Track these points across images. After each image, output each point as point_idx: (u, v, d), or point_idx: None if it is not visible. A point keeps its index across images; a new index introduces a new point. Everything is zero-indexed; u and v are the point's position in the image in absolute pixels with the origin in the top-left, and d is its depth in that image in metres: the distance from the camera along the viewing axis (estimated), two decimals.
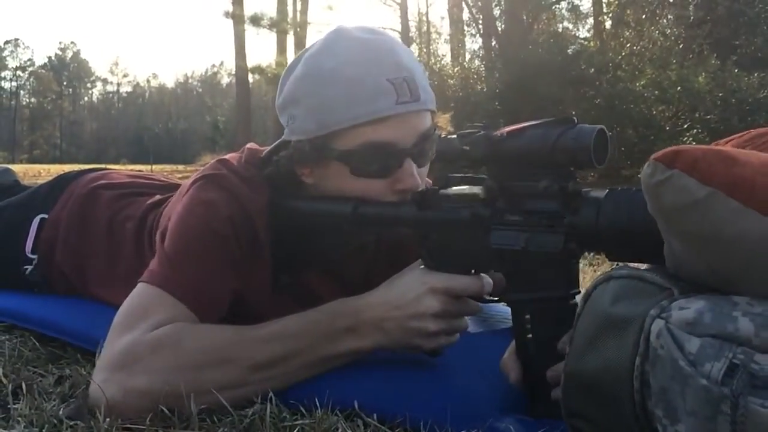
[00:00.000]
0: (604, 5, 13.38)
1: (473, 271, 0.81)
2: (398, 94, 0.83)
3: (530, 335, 0.74)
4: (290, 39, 15.25)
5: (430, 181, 0.88)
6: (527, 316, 0.74)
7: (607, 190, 0.69)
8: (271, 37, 16.16)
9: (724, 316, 0.51)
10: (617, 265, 0.70)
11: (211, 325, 0.83)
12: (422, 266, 0.83)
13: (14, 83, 55.13)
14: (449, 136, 0.79)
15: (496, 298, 0.81)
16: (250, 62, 15.26)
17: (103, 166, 1.65)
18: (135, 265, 1.08)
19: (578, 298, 0.66)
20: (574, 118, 0.69)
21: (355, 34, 0.88)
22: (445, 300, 0.79)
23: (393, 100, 0.83)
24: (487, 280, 0.80)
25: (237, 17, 14.27)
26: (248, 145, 0.99)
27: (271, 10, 14.88)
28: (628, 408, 0.56)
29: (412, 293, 0.79)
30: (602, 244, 0.69)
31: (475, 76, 12.01)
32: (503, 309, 1.07)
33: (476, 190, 0.78)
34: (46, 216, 1.24)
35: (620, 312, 0.57)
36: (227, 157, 0.96)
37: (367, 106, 0.83)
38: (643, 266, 0.64)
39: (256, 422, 0.74)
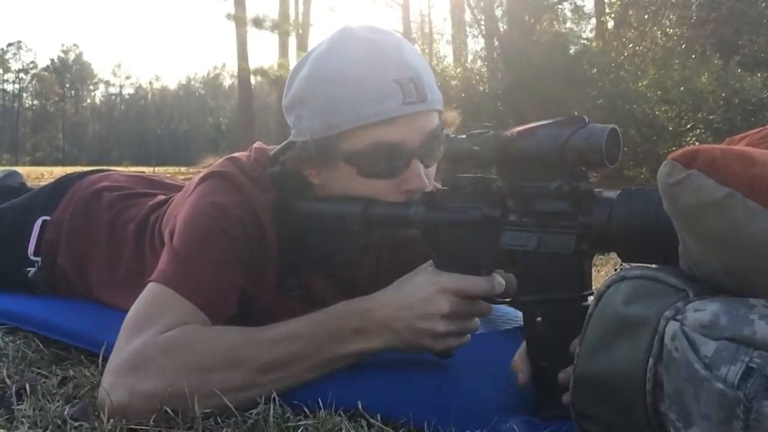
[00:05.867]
0: (606, 6, 13.38)
1: (484, 272, 0.80)
2: (405, 95, 0.83)
3: (541, 336, 0.74)
4: (292, 41, 15.28)
5: (438, 185, 0.88)
6: (539, 318, 0.74)
7: (619, 191, 0.68)
8: (273, 38, 16.21)
9: (740, 318, 0.50)
10: (622, 265, 0.70)
11: (221, 327, 0.83)
12: (432, 267, 0.82)
13: (17, 85, 55.33)
14: (458, 137, 0.78)
15: (507, 299, 0.80)
16: (253, 64, 15.27)
17: (105, 167, 1.64)
18: (135, 267, 1.08)
19: (591, 299, 0.66)
20: (585, 117, 0.69)
21: (361, 34, 0.87)
22: (456, 301, 0.78)
23: (399, 101, 0.83)
24: (498, 280, 0.79)
25: (239, 19, 14.29)
26: (256, 145, 0.98)
27: (273, 12, 14.89)
28: (640, 410, 0.56)
29: (422, 293, 0.79)
30: (614, 244, 0.69)
31: (478, 77, 12.00)
32: (509, 309, 1.06)
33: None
34: (48, 218, 1.24)
35: (633, 313, 0.57)
36: (236, 155, 0.96)
37: (373, 106, 0.82)
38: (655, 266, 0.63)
39: (259, 423, 0.74)
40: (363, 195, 0.86)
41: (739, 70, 9.19)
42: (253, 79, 16.92)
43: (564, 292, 0.72)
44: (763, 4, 10.68)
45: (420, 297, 0.78)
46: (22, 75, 55.10)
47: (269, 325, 0.81)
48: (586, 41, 13.13)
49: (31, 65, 55.85)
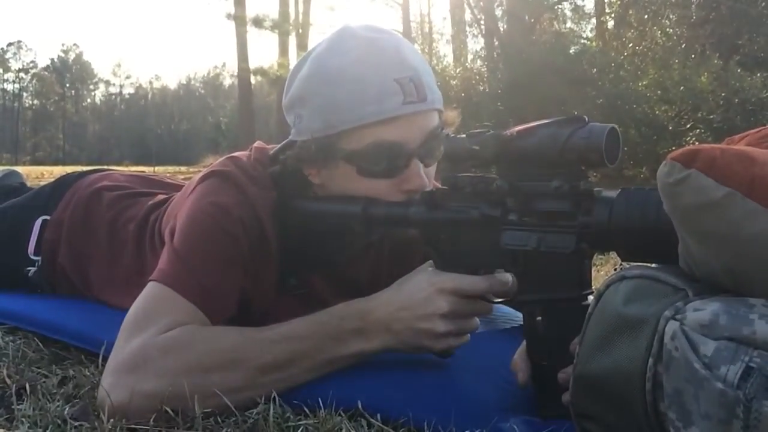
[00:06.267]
0: (606, 5, 13.37)
1: (481, 271, 0.80)
2: (405, 94, 0.83)
3: (541, 336, 0.74)
4: (292, 40, 15.27)
5: (438, 184, 0.88)
6: (538, 317, 0.74)
7: (619, 190, 0.68)
8: (273, 38, 16.19)
9: (740, 318, 0.50)
10: (621, 265, 0.70)
11: (221, 327, 0.83)
12: (431, 267, 0.82)
13: (17, 85, 55.29)
14: (458, 136, 0.78)
15: (507, 299, 0.80)
16: (253, 63, 15.29)
17: (105, 167, 1.64)
18: (135, 266, 1.08)
19: (590, 299, 0.66)
20: (585, 117, 0.69)
21: (360, 33, 0.87)
22: (455, 300, 0.78)
23: (400, 101, 0.83)
24: (500, 278, 0.79)
25: (239, 19, 14.29)
26: (256, 144, 0.98)
27: (273, 12, 14.89)
28: (640, 409, 0.56)
29: (421, 294, 0.79)
30: (614, 244, 0.69)
31: (477, 77, 11.99)
32: (507, 309, 1.06)
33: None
34: (48, 217, 1.24)
35: (633, 312, 0.57)
36: (236, 154, 0.96)
37: (373, 106, 0.82)
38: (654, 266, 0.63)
39: (259, 423, 0.74)
40: (363, 194, 0.86)
41: (739, 70, 9.17)
42: (253, 79, 16.93)
43: (564, 292, 0.72)
44: (763, 4, 10.67)
45: (419, 297, 0.79)
46: (22, 75, 55.07)
47: (269, 325, 0.81)
48: (586, 41, 13.12)
49: (31, 65, 55.82)
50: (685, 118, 9.25)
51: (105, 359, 0.82)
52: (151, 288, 0.84)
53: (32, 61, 56.77)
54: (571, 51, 11.19)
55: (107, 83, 60.44)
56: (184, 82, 61.96)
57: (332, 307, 0.82)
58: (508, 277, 0.78)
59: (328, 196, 0.90)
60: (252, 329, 0.81)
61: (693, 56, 10.23)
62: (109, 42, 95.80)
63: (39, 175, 11.13)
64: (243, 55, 15.57)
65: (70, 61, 57.81)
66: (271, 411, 0.75)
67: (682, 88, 9.15)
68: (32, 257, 1.22)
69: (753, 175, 0.50)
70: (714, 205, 0.51)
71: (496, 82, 11.02)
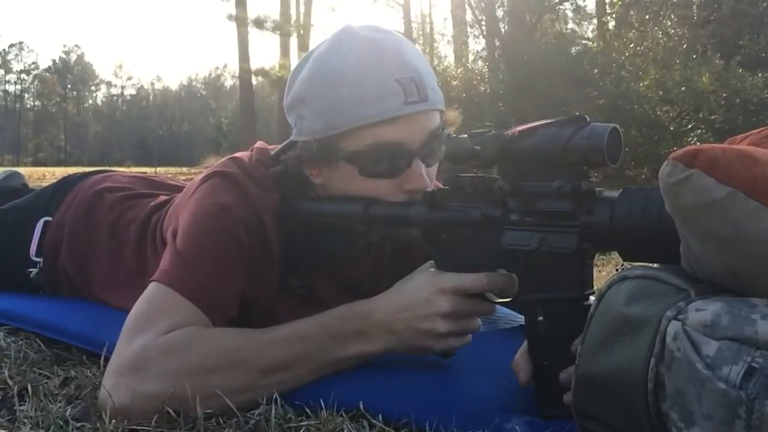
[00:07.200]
0: (607, 6, 13.38)
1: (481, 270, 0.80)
2: (406, 95, 0.83)
3: (543, 336, 0.74)
4: (293, 41, 15.29)
5: (440, 184, 0.88)
6: (540, 318, 0.73)
7: (621, 190, 0.68)
8: (275, 39, 16.22)
9: (742, 318, 0.50)
10: (623, 265, 0.70)
11: (222, 329, 0.83)
12: (432, 267, 0.82)
13: (18, 86, 55.38)
14: (460, 136, 0.78)
15: (508, 299, 0.80)
16: (254, 64, 15.31)
17: (107, 168, 1.65)
18: (136, 267, 1.08)
19: (592, 299, 0.66)
20: (587, 117, 0.69)
21: (362, 34, 0.87)
22: (456, 300, 0.78)
23: (401, 101, 0.83)
24: (506, 274, 0.79)
25: (240, 20, 14.31)
26: (257, 144, 0.99)
27: (274, 13, 14.91)
28: (641, 409, 0.56)
29: (422, 294, 0.79)
30: (616, 243, 0.69)
31: (479, 78, 11.98)
32: (508, 310, 1.06)
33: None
34: (50, 219, 1.24)
35: (635, 313, 0.57)
36: (238, 155, 0.96)
37: (375, 106, 0.82)
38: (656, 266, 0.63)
39: (261, 424, 0.74)
40: (364, 195, 0.87)
41: (741, 70, 9.17)
42: (254, 80, 16.96)
43: (565, 292, 0.72)
44: (765, 4, 10.66)
45: (419, 298, 0.79)
46: (23, 76, 55.15)
47: (271, 326, 0.81)
48: (587, 41, 13.11)
49: (32, 66, 55.91)
50: (686, 119, 9.23)
51: (107, 360, 0.82)
52: (152, 289, 0.84)
53: (34, 63, 56.90)
54: (572, 51, 11.17)
55: (109, 84, 60.53)
56: (186, 83, 62.01)
57: (334, 309, 0.82)
58: (510, 274, 0.78)
59: (329, 197, 0.90)
60: (253, 330, 0.81)
61: (694, 56, 10.21)
62: (111, 43, 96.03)
63: (41, 176, 11.15)
64: (244, 56, 15.60)
65: (72, 62, 57.88)
66: (273, 412, 0.75)
67: (683, 88, 9.14)
68: (34, 258, 1.22)
69: (755, 175, 0.50)
70: (716, 204, 0.51)
71: (498, 83, 11.01)
